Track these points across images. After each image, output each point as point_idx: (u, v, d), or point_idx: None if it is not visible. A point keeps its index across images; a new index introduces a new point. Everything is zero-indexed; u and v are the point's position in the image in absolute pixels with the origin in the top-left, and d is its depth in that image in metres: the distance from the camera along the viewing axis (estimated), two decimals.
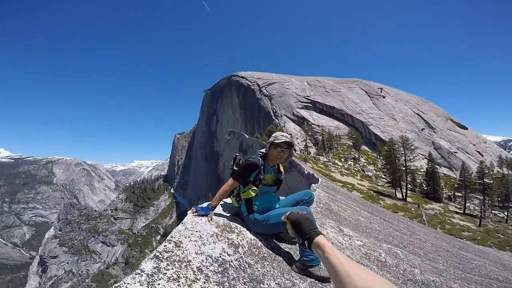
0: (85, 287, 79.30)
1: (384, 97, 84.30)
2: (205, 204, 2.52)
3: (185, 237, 1.93)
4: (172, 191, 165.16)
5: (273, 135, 2.60)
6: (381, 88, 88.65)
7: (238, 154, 2.76)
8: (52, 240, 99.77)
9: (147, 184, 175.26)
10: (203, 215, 2.35)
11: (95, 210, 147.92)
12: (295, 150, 50.64)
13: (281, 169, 2.71)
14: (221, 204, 2.91)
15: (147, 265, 1.45)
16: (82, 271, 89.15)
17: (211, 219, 2.31)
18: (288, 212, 1.41)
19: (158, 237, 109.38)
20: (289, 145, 2.52)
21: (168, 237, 1.91)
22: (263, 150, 2.66)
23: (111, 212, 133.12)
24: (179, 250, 1.72)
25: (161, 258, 1.55)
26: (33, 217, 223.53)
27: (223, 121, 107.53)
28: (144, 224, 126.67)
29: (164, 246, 1.73)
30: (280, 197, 2.79)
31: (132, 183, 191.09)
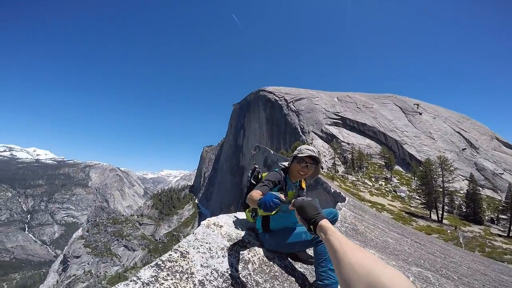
0: None
1: (420, 113, 79.53)
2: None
3: (194, 248, 1.83)
4: (196, 201, 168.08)
5: (298, 148, 2.33)
6: (417, 104, 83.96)
7: (257, 167, 2.54)
8: (78, 241, 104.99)
9: (174, 193, 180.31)
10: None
11: (123, 215, 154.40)
12: (322, 168, 49.18)
13: (303, 185, 2.43)
14: (235, 218, 2.72)
15: (145, 273, 1.39)
16: (100, 273, 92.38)
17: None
18: (293, 200, 1.40)
19: None
20: (314, 160, 2.21)
21: (176, 246, 1.82)
22: (286, 164, 2.38)
23: (137, 217, 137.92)
24: (184, 260, 1.63)
25: (162, 267, 1.47)
26: (65, 217, 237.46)
27: (249, 136, 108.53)
28: (167, 231, 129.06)
29: (169, 255, 1.65)
30: None
31: (159, 191, 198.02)
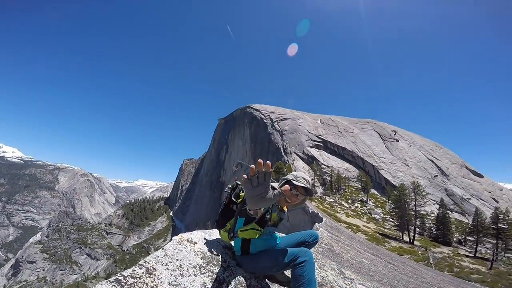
0: None
1: (397, 140, 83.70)
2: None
3: (162, 265, 1.64)
4: (171, 214, 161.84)
5: (294, 173, 2.13)
6: (395, 131, 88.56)
7: (239, 183, 2.17)
8: (35, 245, 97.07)
9: (147, 204, 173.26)
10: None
11: (89, 222, 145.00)
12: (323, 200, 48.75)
13: (284, 208, 2.26)
14: (210, 235, 2.50)
15: None
16: (56, 280, 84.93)
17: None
18: None
19: None
20: (307, 192, 2.07)
21: (141, 261, 1.62)
22: (274, 185, 2.08)
23: (105, 226, 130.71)
24: (149, 277, 1.44)
25: (123, 284, 1.34)
26: (24, 220, 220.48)
27: (232, 152, 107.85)
28: (136, 243, 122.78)
29: (133, 270, 1.44)
30: (279, 234, 2.37)
31: (132, 201, 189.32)
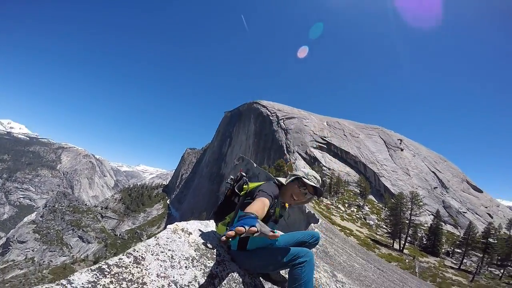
0: (39, 277, 73.89)
1: (402, 149, 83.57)
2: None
3: (152, 254, 1.52)
4: (168, 202, 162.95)
5: (305, 171, 2.04)
6: (401, 140, 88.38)
7: (244, 175, 2.12)
8: (29, 225, 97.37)
9: (145, 190, 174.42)
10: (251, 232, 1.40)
11: (86, 204, 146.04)
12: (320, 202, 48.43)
13: (286, 205, 2.19)
14: (207, 227, 2.38)
15: (82, 277, 1.12)
16: (44, 262, 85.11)
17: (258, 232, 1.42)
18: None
19: None
20: (316, 192, 2.00)
21: (130, 250, 1.50)
22: (281, 180, 2.09)
23: (101, 209, 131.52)
24: (136, 267, 1.34)
25: (106, 273, 1.19)
26: (21, 199, 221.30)
27: (235, 145, 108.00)
28: (129, 228, 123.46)
29: (119, 259, 1.36)
30: (279, 231, 2.23)
31: (131, 186, 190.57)
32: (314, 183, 1.96)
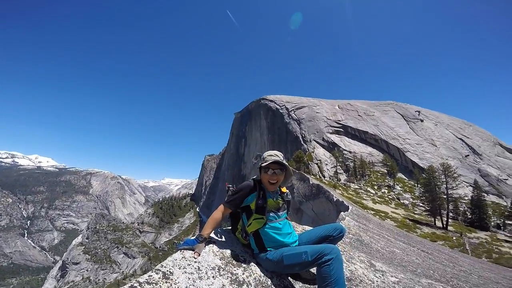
0: None
1: (422, 120, 79.29)
2: (193, 237, 2.02)
3: (179, 268, 1.61)
4: (197, 209, 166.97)
5: (262, 156, 2.27)
6: (419, 111, 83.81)
7: (230, 186, 2.31)
8: (78, 247, 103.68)
9: (175, 201, 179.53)
10: (188, 249, 1.85)
11: (123, 222, 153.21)
12: (323, 176, 48.52)
13: (283, 190, 2.34)
14: (230, 236, 2.45)
15: None
16: (99, 279, 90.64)
17: (199, 255, 1.82)
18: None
19: None
20: (280, 164, 2.16)
21: (158, 266, 1.59)
22: (255, 177, 2.31)
23: (138, 225, 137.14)
24: (166, 283, 1.40)
25: None
26: (65, 224, 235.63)
27: (251, 144, 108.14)
28: (167, 239, 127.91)
29: (149, 276, 1.42)
30: (304, 227, 2.28)
31: (160, 199, 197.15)
32: (272, 159, 2.13)
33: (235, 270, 1.80)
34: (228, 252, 2.01)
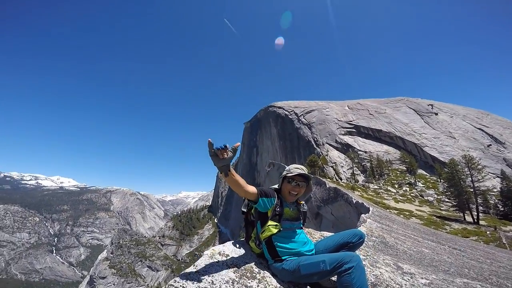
0: None
1: (436, 114, 76.42)
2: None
3: (192, 282, 1.57)
4: (215, 221, 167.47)
5: (286, 168, 2.30)
6: (431, 105, 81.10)
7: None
8: (104, 262, 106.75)
9: (193, 214, 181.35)
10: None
11: (145, 236, 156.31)
12: (341, 179, 47.50)
13: (301, 202, 2.36)
14: (244, 247, 2.40)
15: None
16: None
17: (227, 154, 1.83)
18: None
19: None
20: (305, 178, 2.19)
21: (171, 282, 1.56)
22: (276, 186, 2.35)
23: (159, 238, 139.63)
24: None
25: None
26: (90, 240, 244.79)
27: (263, 153, 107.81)
28: (188, 251, 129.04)
29: None
30: (324, 233, 2.23)
31: (179, 212, 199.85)
32: (298, 172, 2.15)
33: (249, 283, 1.73)
34: (242, 264, 1.96)
